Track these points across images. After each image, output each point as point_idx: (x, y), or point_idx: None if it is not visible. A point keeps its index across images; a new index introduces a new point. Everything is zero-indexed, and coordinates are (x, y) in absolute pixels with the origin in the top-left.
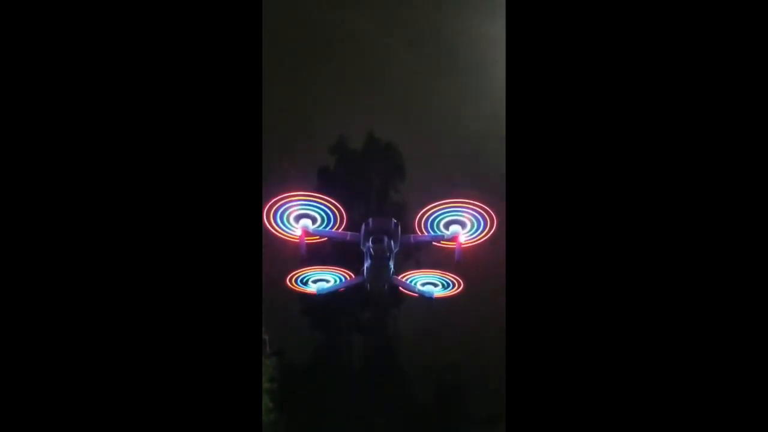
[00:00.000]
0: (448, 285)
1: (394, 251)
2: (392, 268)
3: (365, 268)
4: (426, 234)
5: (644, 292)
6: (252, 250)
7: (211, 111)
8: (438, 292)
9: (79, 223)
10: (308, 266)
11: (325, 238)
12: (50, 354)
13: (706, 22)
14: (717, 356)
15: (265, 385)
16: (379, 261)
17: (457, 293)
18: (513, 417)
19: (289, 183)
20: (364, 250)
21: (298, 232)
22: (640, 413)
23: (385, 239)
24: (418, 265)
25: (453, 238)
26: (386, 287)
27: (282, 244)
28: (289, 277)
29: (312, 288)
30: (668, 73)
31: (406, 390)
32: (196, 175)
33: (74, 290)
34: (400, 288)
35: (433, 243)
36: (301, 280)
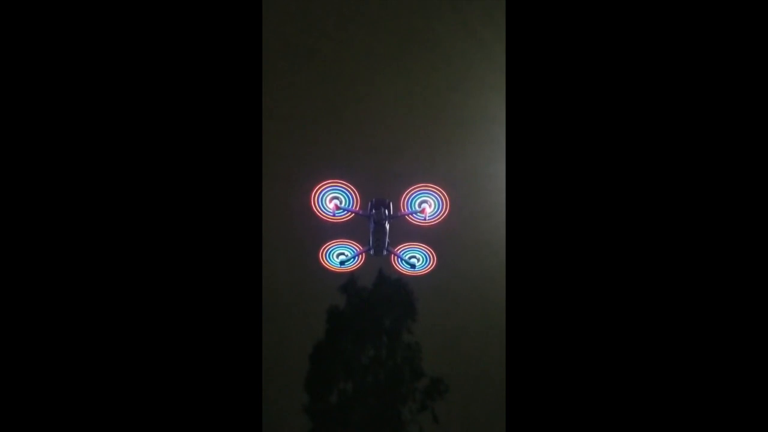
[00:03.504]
0: (426, 259)
1: (389, 218)
2: (387, 231)
3: (371, 232)
4: (406, 210)
5: (645, 291)
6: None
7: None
8: (418, 269)
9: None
10: (332, 240)
11: (349, 214)
12: (49, 354)
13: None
14: (717, 354)
15: None
16: (379, 225)
17: (431, 269)
18: (513, 417)
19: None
20: (370, 219)
21: (331, 208)
22: (641, 412)
23: (383, 209)
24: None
25: (422, 211)
26: (384, 253)
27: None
28: (321, 252)
29: (335, 263)
30: (668, 75)
31: None
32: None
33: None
34: (392, 257)
35: (412, 216)
36: (328, 256)
